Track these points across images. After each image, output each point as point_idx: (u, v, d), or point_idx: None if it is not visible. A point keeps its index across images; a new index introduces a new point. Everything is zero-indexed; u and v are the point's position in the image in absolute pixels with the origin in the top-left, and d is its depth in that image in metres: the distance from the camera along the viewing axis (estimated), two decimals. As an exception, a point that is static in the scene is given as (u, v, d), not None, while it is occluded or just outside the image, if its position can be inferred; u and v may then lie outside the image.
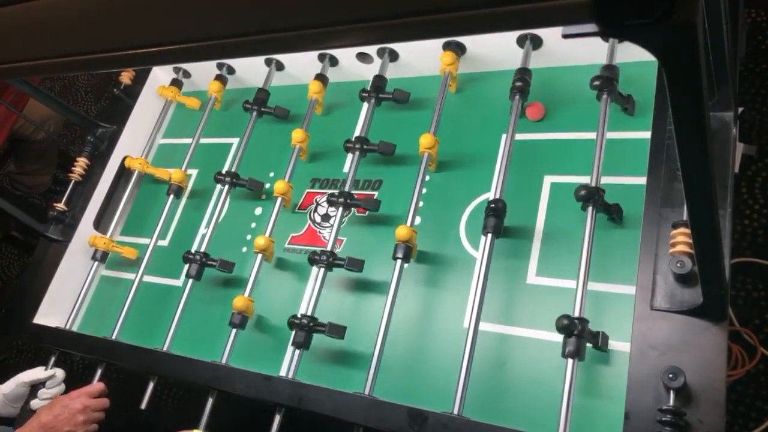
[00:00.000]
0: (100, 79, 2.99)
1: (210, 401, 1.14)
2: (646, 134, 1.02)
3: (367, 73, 1.41)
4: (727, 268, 0.80)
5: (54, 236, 1.53)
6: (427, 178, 1.23)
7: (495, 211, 1.03)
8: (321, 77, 1.40)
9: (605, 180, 0.99)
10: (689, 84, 0.42)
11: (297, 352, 1.11)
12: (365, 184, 1.31)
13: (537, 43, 1.18)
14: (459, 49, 1.26)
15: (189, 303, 1.28)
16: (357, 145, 1.26)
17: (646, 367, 0.86)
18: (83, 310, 1.48)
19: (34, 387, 1.33)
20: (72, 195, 1.59)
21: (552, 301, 1.03)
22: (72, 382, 1.37)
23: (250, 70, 1.56)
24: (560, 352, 0.89)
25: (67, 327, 1.41)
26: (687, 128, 0.48)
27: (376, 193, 1.29)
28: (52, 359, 1.37)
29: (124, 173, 1.62)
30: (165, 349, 1.24)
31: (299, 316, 1.12)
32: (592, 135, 1.05)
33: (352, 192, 1.23)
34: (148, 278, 1.41)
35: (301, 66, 1.48)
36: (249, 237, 1.40)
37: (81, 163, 1.61)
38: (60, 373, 1.35)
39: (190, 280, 1.29)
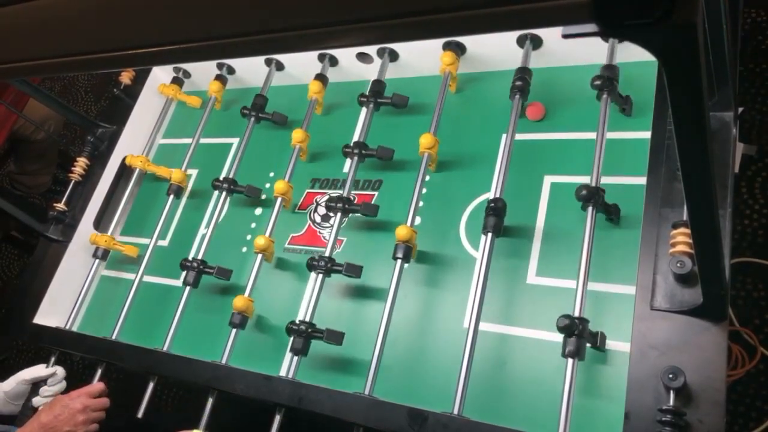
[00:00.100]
0: (100, 79, 2.99)
1: (210, 401, 1.14)
2: (646, 134, 1.02)
3: (367, 73, 1.41)
4: (727, 268, 0.80)
5: (54, 236, 1.53)
6: (427, 178, 1.23)
7: (495, 210, 1.03)
8: (321, 77, 1.40)
9: (605, 180, 0.99)
10: (689, 84, 0.42)
11: (296, 357, 1.10)
12: (365, 184, 1.31)
13: (537, 43, 1.18)
14: (459, 49, 1.26)
15: (189, 303, 1.29)
16: (355, 150, 1.25)
17: (646, 367, 0.86)
18: (83, 310, 1.48)
19: (36, 385, 1.33)
20: (72, 195, 1.59)
21: (552, 301, 1.03)
22: (72, 382, 1.37)
23: (250, 70, 1.56)
24: (560, 352, 0.89)
25: (67, 327, 1.41)
26: (687, 128, 0.48)
27: (376, 194, 1.29)
28: (52, 359, 1.37)
29: (124, 173, 1.62)
30: (165, 349, 1.24)
31: (297, 322, 1.12)
32: (592, 135, 1.05)
33: (352, 192, 1.23)
34: (148, 278, 1.41)
35: (301, 66, 1.48)
36: (249, 237, 1.40)
37: (81, 163, 1.61)
38: (61, 370, 1.35)
39: (188, 287, 1.29)
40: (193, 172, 1.57)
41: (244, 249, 1.39)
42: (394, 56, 1.34)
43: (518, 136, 1.15)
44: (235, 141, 1.55)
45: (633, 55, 1.11)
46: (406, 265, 1.11)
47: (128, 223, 1.62)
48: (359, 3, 0.37)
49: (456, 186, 1.22)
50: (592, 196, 0.96)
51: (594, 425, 0.92)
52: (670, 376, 0.82)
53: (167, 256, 1.46)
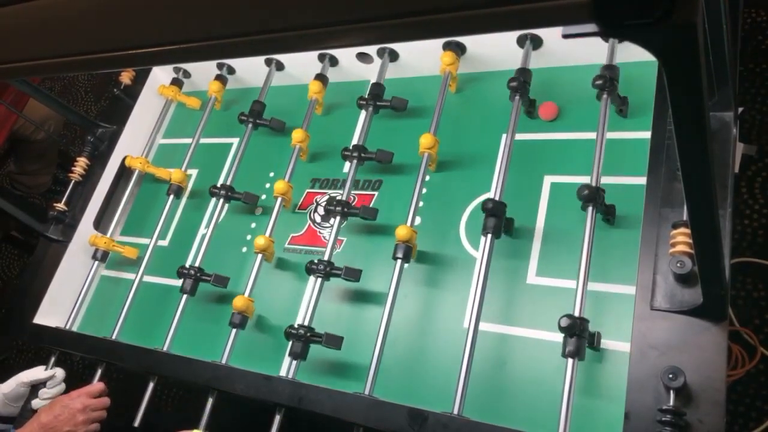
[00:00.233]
0: (100, 79, 2.99)
1: (210, 401, 1.14)
2: (646, 134, 1.02)
3: (367, 73, 1.41)
4: (727, 268, 0.80)
5: (54, 236, 1.53)
6: (427, 178, 1.23)
7: (489, 211, 1.03)
8: (321, 77, 1.40)
9: (605, 180, 0.99)
10: (689, 84, 0.42)
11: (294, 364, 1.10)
12: (365, 184, 1.31)
13: (537, 43, 1.18)
14: (459, 49, 1.26)
15: (189, 302, 1.29)
16: (354, 154, 1.25)
17: (646, 367, 0.86)
18: (83, 310, 1.48)
19: (35, 387, 1.33)
20: (72, 195, 1.58)
21: (552, 301, 1.03)
22: (72, 382, 1.37)
23: (250, 70, 1.56)
24: (560, 352, 0.89)
25: (67, 327, 1.41)
26: (687, 128, 0.48)
27: (376, 194, 1.29)
28: (52, 359, 1.37)
29: (124, 173, 1.62)
30: (165, 349, 1.24)
31: (296, 326, 1.12)
32: (592, 135, 1.05)
33: (353, 192, 1.23)
34: (148, 278, 1.41)
35: (301, 66, 1.48)
36: (249, 237, 1.40)
37: (81, 163, 1.61)
38: (60, 372, 1.35)
39: (185, 295, 1.28)
40: (193, 172, 1.57)
41: (244, 249, 1.39)
42: (394, 56, 1.34)
43: (518, 136, 1.15)
44: (235, 141, 1.55)
45: (633, 55, 1.11)
46: (406, 265, 1.11)
47: (128, 223, 1.62)
48: (359, 3, 0.37)
49: (456, 186, 1.22)
50: (593, 196, 0.96)
51: (594, 425, 0.92)
52: (670, 376, 0.82)
53: (167, 256, 1.46)
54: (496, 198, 1.05)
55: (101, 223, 1.59)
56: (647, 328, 0.88)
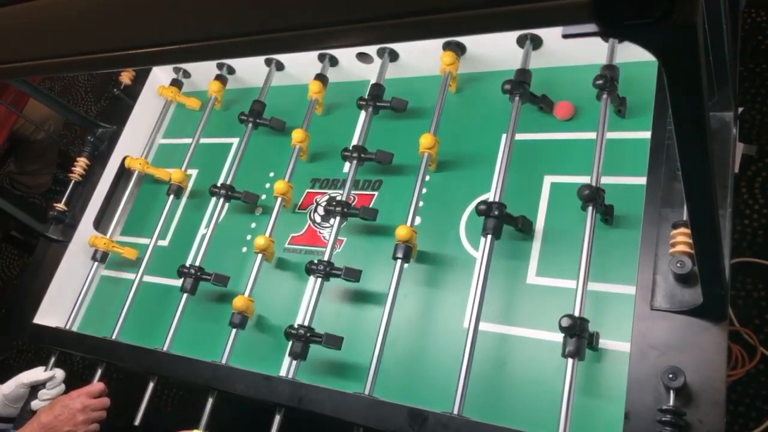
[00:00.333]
0: (100, 79, 2.99)
1: (210, 401, 1.14)
2: (646, 134, 1.02)
3: (367, 73, 1.41)
4: (727, 268, 0.80)
5: (54, 236, 1.53)
6: (427, 178, 1.23)
7: (482, 212, 1.03)
8: (321, 77, 1.40)
9: (605, 180, 0.99)
10: (689, 84, 0.42)
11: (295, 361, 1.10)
12: (365, 184, 1.31)
13: (537, 43, 1.18)
14: (459, 49, 1.26)
15: (189, 302, 1.29)
16: (354, 154, 1.25)
17: (646, 367, 0.86)
18: (83, 310, 1.48)
19: (34, 388, 1.33)
20: (72, 195, 1.58)
21: (552, 301, 1.03)
22: (72, 382, 1.37)
23: (250, 70, 1.56)
24: (560, 352, 0.89)
25: (67, 327, 1.41)
26: (687, 128, 0.48)
27: (376, 194, 1.29)
28: (52, 359, 1.36)
29: (124, 173, 1.62)
30: (165, 349, 1.24)
31: (296, 326, 1.12)
32: (592, 135, 1.05)
33: (353, 192, 1.23)
34: (148, 278, 1.41)
35: (301, 66, 1.48)
36: (249, 237, 1.40)
37: (81, 163, 1.61)
38: (60, 373, 1.35)
39: (185, 295, 1.29)
40: (193, 172, 1.57)
41: (244, 249, 1.39)
42: (394, 56, 1.34)
43: (518, 136, 1.15)
44: (235, 141, 1.55)
45: (633, 55, 1.11)
46: (406, 265, 1.11)
47: (128, 222, 1.62)
48: (359, 3, 0.37)
49: (456, 186, 1.22)
50: (594, 196, 0.96)
51: (594, 425, 0.92)
52: (670, 376, 0.82)
53: (167, 256, 1.46)
54: (496, 198, 1.05)
55: (101, 223, 1.59)
56: (647, 328, 0.88)
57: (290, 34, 0.39)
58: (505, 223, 1.04)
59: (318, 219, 1.34)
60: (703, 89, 0.42)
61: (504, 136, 1.14)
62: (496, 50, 1.25)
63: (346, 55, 1.40)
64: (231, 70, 1.58)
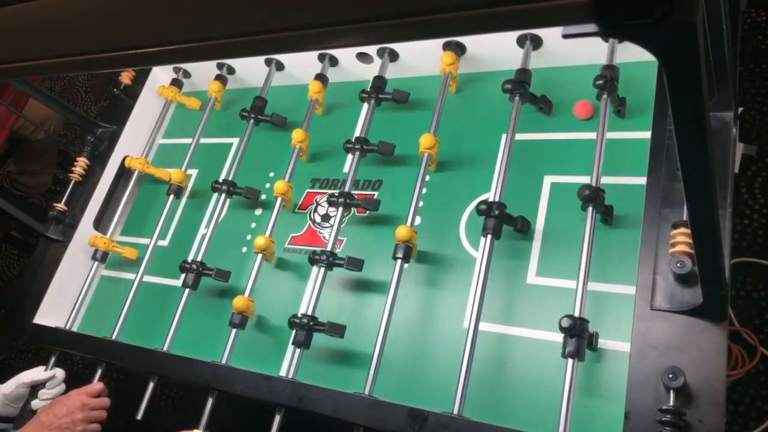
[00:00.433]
0: (100, 79, 2.99)
1: (210, 401, 1.14)
2: (646, 134, 1.02)
3: (367, 73, 1.41)
4: (727, 268, 0.80)
5: (54, 236, 1.53)
6: (427, 178, 1.23)
7: (483, 212, 1.03)
8: (321, 77, 1.40)
9: (605, 180, 0.99)
10: (689, 84, 0.42)
11: (297, 351, 1.11)
12: (365, 184, 1.31)
13: (537, 43, 1.18)
14: (459, 49, 1.26)
15: (189, 303, 1.29)
16: (357, 146, 1.26)
17: (646, 367, 0.86)
18: (83, 310, 1.48)
19: (34, 388, 1.33)
20: (72, 195, 1.58)
21: (552, 301, 1.03)
22: (72, 382, 1.37)
23: (250, 70, 1.56)
24: (560, 352, 0.89)
25: (67, 327, 1.41)
26: (687, 128, 0.48)
27: (376, 194, 1.29)
28: (52, 359, 1.37)
29: (124, 173, 1.62)
30: (165, 349, 1.24)
31: (299, 315, 1.12)
32: (592, 135, 1.05)
33: (353, 192, 1.23)
34: (148, 278, 1.41)
35: (301, 66, 1.48)
36: (249, 237, 1.40)
37: (81, 163, 1.61)
38: (60, 373, 1.35)
39: (187, 289, 1.29)
40: (193, 172, 1.57)
41: (244, 249, 1.39)
42: (394, 56, 1.34)
43: (518, 136, 1.15)
44: (235, 141, 1.55)
45: (633, 55, 1.11)
46: (406, 265, 1.11)
47: (128, 223, 1.62)
48: (359, 3, 0.37)
49: (456, 186, 1.22)
50: (594, 197, 0.96)
51: (594, 425, 0.92)
52: (670, 376, 0.82)
53: (167, 256, 1.46)
54: (496, 198, 1.05)
55: (101, 223, 1.59)
56: (647, 328, 0.88)
57: (290, 34, 0.39)
58: (505, 224, 1.04)
59: (318, 219, 1.34)
60: (703, 89, 0.42)
61: (504, 136, 1.14)
62: (496, 50, 1.25)
63: (346, 55, 1.40)
64: (231, 70, 1.58)
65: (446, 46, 1.25)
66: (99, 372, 1.32)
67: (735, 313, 1.55)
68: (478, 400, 0.98)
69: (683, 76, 0.41)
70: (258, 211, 1.43)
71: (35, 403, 1.31)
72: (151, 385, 1.25)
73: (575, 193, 0.98)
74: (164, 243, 1.50)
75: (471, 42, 1.25)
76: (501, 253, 1.08)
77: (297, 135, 1.33)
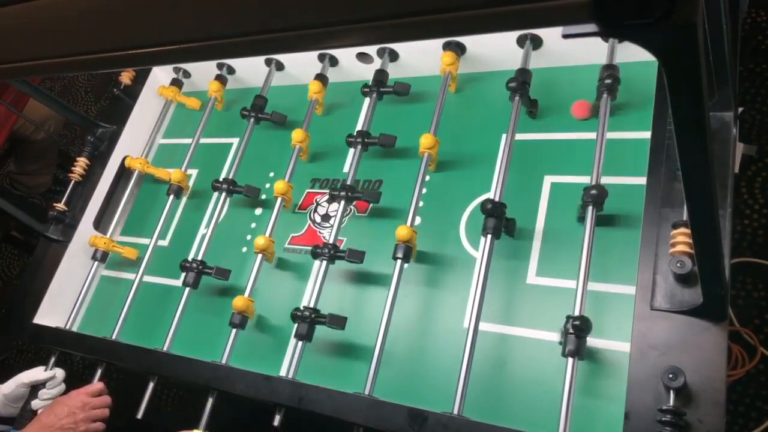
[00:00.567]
0: (100, 79, 2.99)
1: (210, 401, 1.14)
2: (646, 134, 1.02)
3: (367, 73, 1.41)
4: (727, 268, 0.80)
5: (54, 236, 1.53)
6: (427, 178, 1.23)
7: (488, 212, 1.03)
8: (321, 77, 1.40)
9: (605, 180, 0.99)
10: (689, 84, 0.42)
11: (297, 351, 1.11)
12: (365, 184, 1.31)
13: (537, 43, 1.18)
14: (459, 49, 1.26)
15: (189, 303, 1.29)
16: (359, 139, 1.26)
17: (646, 367, 0.86)
18: (83, 310, 1.48)
19: (35, 388, 1.33)
20: (72, 195, 1.58)
21: (552, 301, 1.03)
22: (72, 382, 1.37)
23: (250, 70, 1.56)
24: (560, 352, 0.89)
25: (67, 327, 1.41)
26: (687, 128, 0.48)
27: (376, 193, 1.29)
28: (52, 359, 1.37)
29: (124, 173, 1.62)
30: (165, 349, 1.24)
31: (302, 308, 1.13)
32: (592, 135, 1.05)
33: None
34: (148, 278, 1.41)
35: (301, 66, 1.48)
36: (249, 237, 1.40)
37: (81, 163, 1.61)
38: (60, 373, 1.35)
39: (187, 288, 1.29)
40: (193, 172, 1.57)
41: (244, 249, 1.39)
42: (394, 56, 1.34)
43: (518, 136, 1.15)
44: (235, 141, 1.55)
45: (633, 55, 1.11)
46: (406, 265, 1.11)
47: (128, 223, 1.62)
48: (359, 3, 0.37)
49: (456, 186, 1.22)
50: (600, 197, 0.96)
51: (594, 425, 0.92)
52: (670, 376, 0.82)
53: (167, 256, 1.46)
54: (496, 198, 1.05)
55: (101, 223, 1.59)
56: (647, 328, 0.88)
57: (290, 34, 0.39)
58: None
59: (318, 219, 1.34)
60: (703, 89, 0.42)
61: (504, 136, 1.14)
62: (496, 50, 1.25)
63: (346, 55, 1.40)
64: (231, 70, 1.58)
65: (446, 46, 1.25)
66: (99, 372, 1.32)
67: (735, 313, 1.55)
68: (478, 400, 0.98)
69: (683, 76, 0.41)
70: (258, 211, 1.43)
71: (35, 403, 1.31)
72: (151, 385, 1.25)
73: (575, 193, 0.98)
74: (164, 243, 1.50)
75: (471, 42, 1.25)
76: (501, 253, 1.08)
77: (297, 135, 1.34)
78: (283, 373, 1.17)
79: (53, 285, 1.48)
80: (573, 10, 0.32)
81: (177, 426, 1.07)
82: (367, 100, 1.33)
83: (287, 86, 1.53)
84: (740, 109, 1.19)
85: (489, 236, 1.03)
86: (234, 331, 1.19)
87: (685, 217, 0.89)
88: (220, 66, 1.57)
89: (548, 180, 1.13)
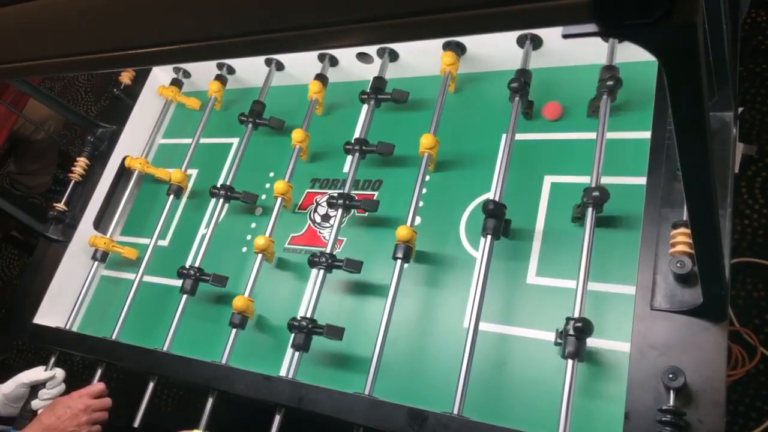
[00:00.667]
0: (100, 79, 2.99)
1: (210, 401, 1.14)
2: (646, 134, 1.02)
3: (367, 73, 1.41)
4: (727, 268, 0.80)
5: (54, 236, 1.53)
6: (427, 178, 1.23)
7: (490, 212, 1.03)
8: (321, 77, 1.40)
9: (605, 180, 0.99)
10: (689, 84, 0.42)
11: (297, 354, 1.10)
12: (365, 185, 1.31)
13: (537, 43, 1.18)
14: (459, 49, 1.26)
15: (189, 303, 1.29)
16: (356, 147, 1.25)
17: (646, 367, 0.86)
18: (83, 310, 1.48)
19: (34, 388, 1.33)
20: (72, 195, 1.58)
21: (552, 301, 1.03)
22: (72, 382, 1.37)
23: (250, 70, 1.56)
24: (560, 353, 0.89)
25: (67, 327, 1.41)
26: (687, 128, 0.48)
27: (375, 194, 1.29)
28: (52, 359, 1.37)
29: (124, 173, 1.62)
30: (165, 349, 1.24)
31: (299, 318, 1.12)
32: (592, 135, 1.05)
33: (353, 192, 1.23)
34: (148, 278, 1.41)
35: (301, 66, 1.48)
36: (249, 237, 1.40)
37: (81, 163, 1.61)
38: (60, 373, 1.35)
39: (185, 295, 1.29)
40: (193, 172, 1.57)
41: (244, 249, 1.39)
42: (394, 56, 1.34)
43: (518, 136, 1.15)
44: (235, 141, 1.55)
45: (633, 55, 1.11)
46: (406, 266, 1.11)
47: (128, 222, 1.62)
48: (359, 3, 0.37)
49: (456, 186, 1.22)
50: (602, 198, 0.96)
51: (594, 425, 0.92)
52: (670, 376, 0.82)
53: (167, 256, 1.46)
54: (496, 198, 1.05)
55: (101, 223, 1.59)
56: (647, 328, 0.88)
57: (290, 34, 0.39)
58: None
59: (318, 219, 1.34)
60: (703, 89, 0.42)
61: (504, 136, 1.14)
62: (496, 50, 1.25)
63: (346, 55, 1.40)
64: (231, 70, 1.58)
65: (446, 46, 1.25)
66: (99, 372, 1.32)
67: (735, 313, 1.55)
68: (478, 400, 0.98)
69: (683, 76, 0.41)
70: (258, 211, 1.43)
71: (35, 404, 1.31)
72: (151, 385, 1.25)
73: (575, 193, 0.98)
74: (164, 243, 1.50)
75: (471, 42, 1.25)
76: (501, 253, 1.08)
77: (297, 135, 1.33)
78: (283, 373, 1.17)
79: (53, 285, 1.48)
80: (573, 10, 0.32)
81: (177, 426, 1.07)
82: (365, 107, 1.33)
83: (287, 86, 1.53)
84: (740, 109, 1.19)
85: (489, 236, 1.03)
86: (234, 331, 1.19)
87: (685, 217, 0.89)
88: (220, 66, 1.57)
89: (548, 180, 1.13)
